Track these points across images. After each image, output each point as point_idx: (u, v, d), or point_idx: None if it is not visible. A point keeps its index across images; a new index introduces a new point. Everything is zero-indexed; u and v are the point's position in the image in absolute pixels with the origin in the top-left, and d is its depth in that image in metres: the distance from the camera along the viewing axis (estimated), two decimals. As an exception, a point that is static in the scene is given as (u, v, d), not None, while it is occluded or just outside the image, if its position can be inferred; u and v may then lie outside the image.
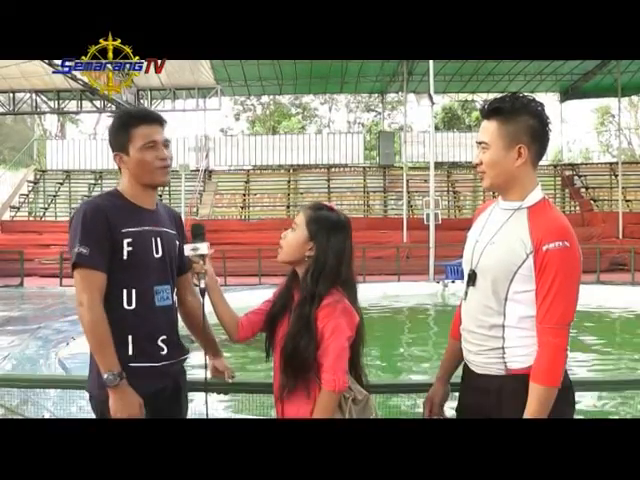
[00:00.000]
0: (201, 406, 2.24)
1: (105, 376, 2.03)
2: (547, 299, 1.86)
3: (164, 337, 2.19)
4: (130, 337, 2.13)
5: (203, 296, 2.13)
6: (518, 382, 1.90)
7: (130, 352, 2.12)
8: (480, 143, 2.01)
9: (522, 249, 1.89)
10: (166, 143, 2.24)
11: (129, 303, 2.14)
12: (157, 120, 2.24)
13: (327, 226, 2.09)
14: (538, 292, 1.88)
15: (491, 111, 1.99)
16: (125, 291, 2.14)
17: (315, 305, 2.01)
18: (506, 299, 1.94)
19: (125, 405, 2.02)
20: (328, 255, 2.06)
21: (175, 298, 2.32)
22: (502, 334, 1.95)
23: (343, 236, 2.10)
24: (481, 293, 1.99)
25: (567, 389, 1.93)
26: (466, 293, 2.07)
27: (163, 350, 2.19)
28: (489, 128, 1.98)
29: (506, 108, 1.95)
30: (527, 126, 1.94)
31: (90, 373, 2.18)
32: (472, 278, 2.03)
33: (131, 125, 2.19)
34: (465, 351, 2.09)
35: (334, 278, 2.05)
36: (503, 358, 1.95)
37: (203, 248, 2.12)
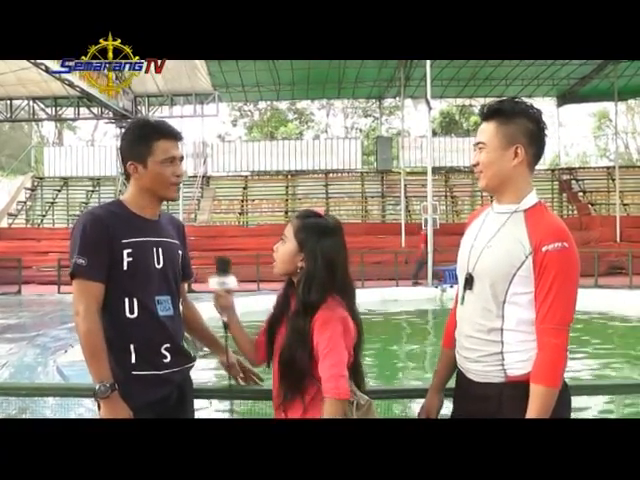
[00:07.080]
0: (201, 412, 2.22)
1: (97, 387, 2.02)
2: (547, 300, 1.85)
3: (167, 345, 2.19)
4: (132, 346, 2.13)
5: (226, 329, 2.17)
6: (517, 389, 1.88)
7: (133, 360, 2.13)
8: (478, 144, 2.02)
9: (521, 251, 1.89)
10: (181, 159, 2.27)
11: (131, 312, 2.13)
12: (177, 136, 2.25)
13: (316, 233, 2.01)
14: (538, 293, 1.87)
15: (491, 112, 2.00)
16: (127, 300, 2.13)
17: (309, 316, 1.96)
18: (504, 302, 1.92)
19: (115, 417, 2.02)
20: (318, 264, 1.98)
21: (181, 308, 2.32)
22: (500, 338, 1.93)
23: (334, 241, 2.02)
24: (479, 296, 1.98)
25: (562, 391, 1.90)
26: (462, 298, 2.05)
27: (166, 358, 2.18)
28: (487, 129, 2.00)
29: (506, 110, 1.97)
30: (525, 128, 1.95)
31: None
32: (469, 282, 2.01)
33: (153, 138, 2.19)
34: (461, 359, 2.07)
35: (327, 287, 1.98)
36: (502, 365, 1.93)
37: (232, 283, 2.15)
